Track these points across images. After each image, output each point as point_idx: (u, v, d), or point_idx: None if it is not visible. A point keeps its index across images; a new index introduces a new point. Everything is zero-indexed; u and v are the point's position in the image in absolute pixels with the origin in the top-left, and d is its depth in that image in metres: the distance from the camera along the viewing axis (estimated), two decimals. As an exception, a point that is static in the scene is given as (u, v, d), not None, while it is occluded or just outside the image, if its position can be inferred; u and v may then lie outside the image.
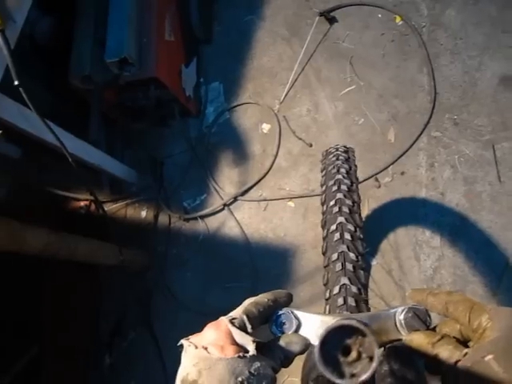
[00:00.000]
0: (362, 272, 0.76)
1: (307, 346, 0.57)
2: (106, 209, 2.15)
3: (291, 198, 1.94)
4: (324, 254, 0.83)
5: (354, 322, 0.36)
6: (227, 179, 2.07)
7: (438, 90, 1.95)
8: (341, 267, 0.76)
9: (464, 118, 1.90)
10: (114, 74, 1.71)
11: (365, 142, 1.94)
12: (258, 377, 0.49)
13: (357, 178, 0.95)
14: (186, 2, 2.11)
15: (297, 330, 0.56)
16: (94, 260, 1.69)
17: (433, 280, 1.72)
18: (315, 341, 0.55)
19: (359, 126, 1.98)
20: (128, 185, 2.18)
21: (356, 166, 0.99)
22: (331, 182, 0.92)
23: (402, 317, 0.52)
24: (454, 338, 0.50)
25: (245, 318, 0.54)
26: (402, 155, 1.89)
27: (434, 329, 0.53)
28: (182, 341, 0.53)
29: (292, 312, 0.57)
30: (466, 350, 0.46)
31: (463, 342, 0.49)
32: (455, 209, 1.79)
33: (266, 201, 1.97)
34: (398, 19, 2.09)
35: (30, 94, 1.34)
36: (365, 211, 1.84)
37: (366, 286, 0.75)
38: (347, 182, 0.91)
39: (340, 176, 0.92)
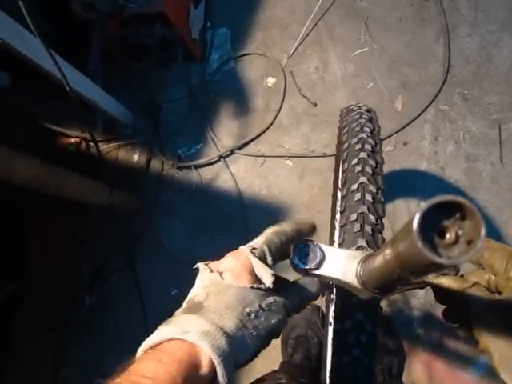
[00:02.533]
0: (379, 236, 0.73)
1: (322, 291, 0.54)
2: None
3: (290, 156, 1.89)
4: (342, 213, 0.80)
5: (459, 199, 0.33)
6: (226, 130, 2.00)
7: (451, 62, 1.89)
8: (359, 228, 0.73)
9: (474, 94, 1.85)
10: (120, 3, 1.61)
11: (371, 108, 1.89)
12: (267, 312, 0.47)
13: (380, 140, 0.91)
14: None
15: (320, 264, 0.53)
16: (83, 198, 1.64)
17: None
18: (340, 275, 0.52)
19: (367, 90, 1.93)
20: (122, 126, 2.11)
21: (379, 126, 0.94)
22: (354, 140, 0.87)
23: None
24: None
25: (266, 248, 0.52)
26: (407, 125, 1.84)
27: (461, 276, 0.51)
28: (199, 264, 0.52)
29: (317, 244, 0.54)
30: (498, 297, 0.45)
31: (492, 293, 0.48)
32: (454, 185, 1.77)
33: (264, 157, 1.92)
34: (420, -17, 2.00)
35: (30, 14, 1.25)
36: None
37: None
38: (371, 141, 0.87)
39: (364, 135, 0.88)
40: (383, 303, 1.68)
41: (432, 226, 0.34)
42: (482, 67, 1.87)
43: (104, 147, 2.10)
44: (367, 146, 0.87)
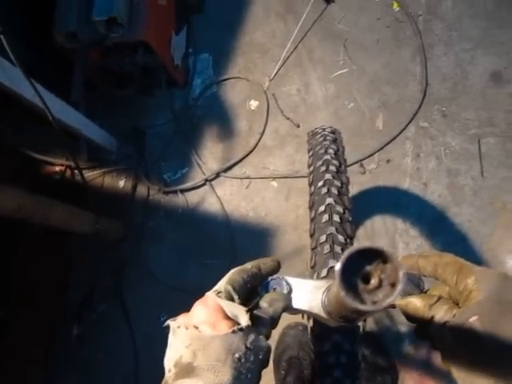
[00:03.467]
0: None
1: (290, 301, 0.54)
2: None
3: (275, 177, 1.91)
4: (312, 235, 0.80)
5: (377, 246, 0.34)
6: (210, 154, 2.02)
7: (429, 81, 1.94)
8: (329, 249, 0.74)
9: (453, 110, 1.89)
10: (101, 33, 1.62)
11: (353, 127, 1.92)
12: (254, 350, 0.47)
13: (345, 160, 0.93)
14: (180, -33, 2.03)
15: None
16: (68, 226, 1.62)
17: (409, 269, 1.73)
18: (307, 306, 0.53)
19: (348, 110, 1.96)
20: (107, 153, 2.10)
21: (343, 147, 0.96)
22: (319, 163, 0.89)
23: None
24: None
25: (230, 288, 0.51)
26: (388, 143, 1.88)
27: (425, 293, 0.52)
28: (169, 322, 0.50)
29: (282, 278, 0.55)
30: (454, 311, 0.45)
31: (457, 304, 0.48)
32: (437, 200, 1.80)
33: (249, 179, 1.93)
34: (395, 5, 2.06)
35: (11, 44, 1.26)
36: (347, 196, 1.83)
37: None
38: (336, 162, 0.88)
39: (328, 156, 0.89)
40: (369, 321, 1.68)
41: (356, 272, 0.35)
42: (459, 84, 1.92)
43: (89, 174, 2.09)
44: (332, 168, 0.88)
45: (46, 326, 1.85)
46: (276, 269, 0.57)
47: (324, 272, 0.73)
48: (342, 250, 0.75)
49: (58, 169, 2.15)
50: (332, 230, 0.77)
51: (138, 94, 2.07)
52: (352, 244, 0.77)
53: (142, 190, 2.03)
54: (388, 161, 1.87)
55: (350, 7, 2.10)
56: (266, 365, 0.49)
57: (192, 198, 1.97)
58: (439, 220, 1.77)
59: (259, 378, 0.48)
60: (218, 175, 1.97)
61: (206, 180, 1.96)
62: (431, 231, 1.77)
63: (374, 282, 0.35)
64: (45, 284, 1.88)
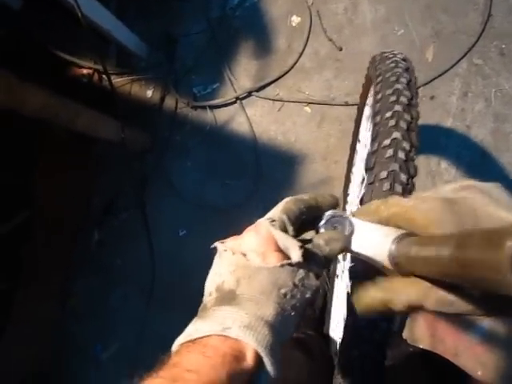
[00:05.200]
0: None
1: (349, 243, 0.50)
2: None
3: (309, 102, 1.81)
4: (370, 169, 0.74)
5: None
6: (244, 71, 1.91)
7: (492, 12, 1.75)
8: (389, 187, 0.68)
9: (513, 48, 1.73)
10: None
11: (400, 56, 1.78)
12: (301, 288, 0.44)
13: (417, 92, 0.84)
14: None
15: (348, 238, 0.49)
16: (93, 132, 1.60)
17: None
18: (370, 252, 0.49)
19: (398, 36, 1.80)
20: (136, 59, 2.02)
21: (416, 78, 0.87)
22: (389, 91, 0.80)
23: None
24: None
25: (285, 218, 0.47)
26: (436, 77, 1.74)
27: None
28: (217, 244, 0.47)
29: (347, 216, 0.50)
30: None
31: None
32: (478, 145, 1.69)
33: (282, 101, 1.84)
34: None
35: None
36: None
37: None
38: (407, 93, 0.79)
39: (400, 86, 0.80)
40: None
41: None
42: (525, 19, 1.73)
43: (117, 80, 2.03)
44: (403, 99, 0.80)
45: (68, 230, 1.90)
46: (334, 204, 0.53)
47: None
48: (403, 190, 0.69)
49: (85, 71, 2.09)
50: (395, 166, 0.70)
51: (173, -4, 1.94)
52: (413, 185, 0.71)
53: (169, 102, 1.97)
54: (432, 97, 1.74)
55: None
56: (312, 304, 0.47)
57: (221, 115, 1.91)
58: (477, 166, 1.68)
59: (303, 316, 0.46)
60: (249, 94, 1.88)
61: (237, 98, 1.87)
62: (466, 177, 1.69)
63: None
64: (69, 188, 1.90)
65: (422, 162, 1.70)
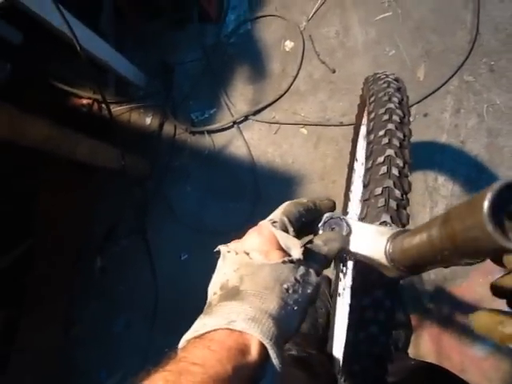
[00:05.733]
0: (404, 212, 0.70)
1: (347, 243, 0.52)
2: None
3: (305, 124, 1.84)
4: (365, 186, 0.76)
5: None
6: (240, 95, 1.95)
7: (480, 30, 1.79)
8: (384, 203, 0.70)
9: (502, 65, 1.76)
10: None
11: (392, 76, 1.82)
12: (303, 283, 0.46)
13: (409, 111, 0.87)
14: None
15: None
16: (94, 161, 1.62)
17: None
18: (367, 251, 0.51)
19: (389, 57, 1.85)
20: (135, 88, 2.06)
21: (408, 97, 0.90)
22: (382, 111, 0.83)
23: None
24: None
25: (285, 219, 0.50)
26: (428, 95, 1.77)
27: None
28: (220, 247, 0.50)
29: (343, 218, 0.52)
30: None
31: None
32: (473, 160, 1.71)
33: (278, 124, 1.87)
34: None
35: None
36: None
37: (404, 226, 0.70)
38: (399, 112, 0.82)
39: (392, 105, 0.83)
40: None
41: (502, 207, 0.30)
42: (512, 36, 1.77)
43: (116, 109, 2.07)
44: (395, 118, 0.82)
45: (70, 257, 1.91)
46: (332, 207, 0.56)
47: None
48: (398, 205, 0.71)
49: (85, 102, 2.13)
50: (389, 183, 0.73)
51: (169, 27, 2.00)
52: (408, 201, 0.73)
53: (168, 128, 2.00)
54: (425, 114, 1.77)
55: None
56: (313, 301, 0.48)
57: (219, 139, 1.94)
58: (473, 181, 1.70)
59: (305, 313, 0.47)
60: (246, 118, 1.91)
61: (234, 122, 1.91)
62: (463, 192, 1.70)
63: None
64: (70, 217, 1.91)
65: (419, 178, 1.72)
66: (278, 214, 0.51)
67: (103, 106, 2.04)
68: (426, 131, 1.76)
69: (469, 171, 1.71)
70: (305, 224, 0.53)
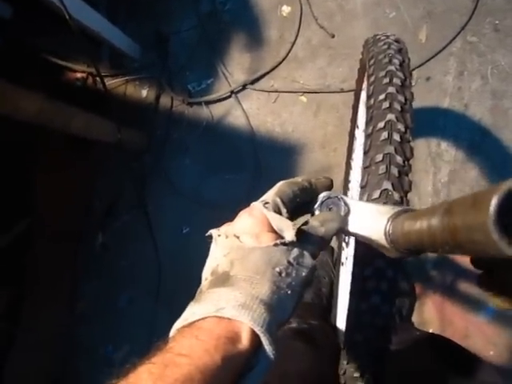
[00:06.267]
0: (406, 179, 0.68)
1: (346, 223, 0.51)
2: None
3: (304, 92, 1.80)
4: (366, 153, 0.74)
5: None
6: (237, 64, 1.90)
7: (484, -12, 1.73)
8: (385, 170, 0.67)
9: (507, 24, 1.70)
10: None
11: (393, 39, 1.76)
12: (297, 266, 0.44)
13: (410, 73, 0.83)
14: None
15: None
16: (89, 135, 1.59)
17: (439, 195, 1.67)
18: (366, 231, 0.49)
19: (389, 19, 1.79)
20: (129, 60, 2.01)
21: (409, 59, 0.86)
22: (382, 73, 0.80)
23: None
24: None
25: (278, 200, 0.48)
26: (430, 58, 1.72)
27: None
28: (211, 231, 0.48)
29: (341, 197, 0.50)
30: None
31: None
32: (477, 123, 1.68)
33: (277, 92, 1.83)
34: None
35: None
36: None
37: (406, 193, 0.68)
38: (400, 75, 0.79)
39: (393, 67, 0.80)
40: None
41: (509, 210, 0.27)
42: (518, -6, 1.71)
43: (111, 82, 2.02)
44: (396, 80, 0.79)
45: (71, 234, 1.90)
46: (329, 186, 0.54)
47: (376, 194, 0.67)
48: (399, 172, 0.69)
49: (79, 75, 2.08)
50: (390, 149, 0.70)
51: (162, -5, 1.93)
52: (410, 167, 0.70)
53: (165, 100, 1.96)
54: (428, 78, 1.73)
55: None
56: (309, 285, 0.47)
57: (217, 110, 1.90)
58: (477, 145, 1.67)
59: (301, 297, 0.45)
60: (244, 87, 1.87)
61: (232, 92, 1.87)
62: (467, 156, 1.67)
63: None
64: (69, 193, 1.90)
65: (422, 144, 1.70)
66: (270, 194, 0.49)
67: (98, 79, 2.00)
68: (429, 95, 1.72)
69: (472, 135, 1.68)
70: (300, 204, 0.51)
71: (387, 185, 0.66)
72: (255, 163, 1.79)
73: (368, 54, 0.90)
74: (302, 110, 1.80)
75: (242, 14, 1.92)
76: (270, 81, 1.85)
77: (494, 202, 0.26)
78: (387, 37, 0.91)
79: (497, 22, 1.71)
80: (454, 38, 1.73)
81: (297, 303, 0.45)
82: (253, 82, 1.86)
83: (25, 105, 1.30)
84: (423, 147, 1.69)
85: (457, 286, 1.61)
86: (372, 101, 0.77)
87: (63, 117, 1.42)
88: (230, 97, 1.88)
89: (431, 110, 1.71)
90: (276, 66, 1.84)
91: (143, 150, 1.90)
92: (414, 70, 1.72)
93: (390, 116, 0.73)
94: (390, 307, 0.65)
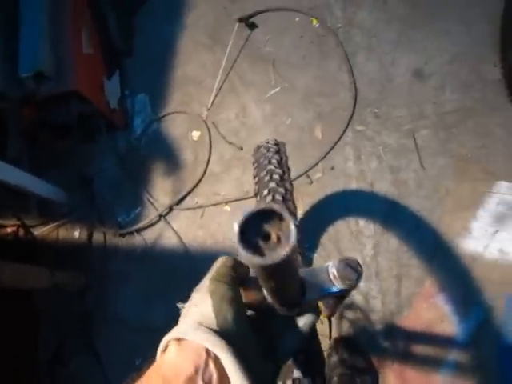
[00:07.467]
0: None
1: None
2: (35, 233, 2.04)
3: (227, 202, 1.94)
4: None
5: (271, 206, 0.37)
6: (161, 190, 2.03)
7: (357, 86, 2.03)
8: None
9: (384, 110, 1.98)
10: (30, 89, 1.64)
11: (294, 141, 1.98)
12: None
13: (288, 168, 0.96)
14: (103, 15, 2.08)
15: None
16: (23, 285, 1.59)
17: (369, 268, 1.77)
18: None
19: (287, 125, 2.02)
20: (58, 205, 2.09)
21: (287, 156, 1.00)
22: (263, 173, 0.92)
23: (334, 269, 0.55)
24: None
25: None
26: (330, 150, 1.94)
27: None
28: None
29: None
30: None
31: None
32: (384, 197, 1.86)
33: (202, 207, 1.95)
34: (314, 22, 2.17)
35: None
36: (300, 208, 1.87)
37: None
38: (279, 171, 0.92)
39: (271, 166, 0.93)
40: (344, 325, 1.70)
41: (257, 232, 0.37)
42: (386, 86, 2.02)
43: (43, 229, 2.07)
44: (275, 176, 0.92)
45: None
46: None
47: None
48: None
49: (9, 230, 2.11)
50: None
51: (80, 142, 2.08)
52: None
53: (98, 236, 2.02)
54: (332, 168, 1.93)
55: (272, 30, 2.19)
56: None
57: (149, 235, 1.97)
58: (390, 216, 1.83)
59: None
60: (171, 209, 1.98)
61: (161, 215, 1.97)
62: (384, 227, 1.82)
63: (273, 239, 0.37)
64: (12, 346, 1.81)
65: (342, 226, 1.83)
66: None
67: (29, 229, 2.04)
68: (336, 182, 1.90)
69: (384, 208, 1.84)
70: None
71: None
72: (195, 277, 1.83)
73: (253, 160, 1.04)
74: (228, 218, 1.92)
75: (157, 145, 2.10)
76: (193, 198, 1.98)
77: (235, 230, 0.36)
78: (267, 142, 1.06)
79: (376, 110, 1.99)
80: (345, 130, 1.97)
81: None
82: (178, 203, 1.98)
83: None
84: (344, 228, 1.83)
85: (411, 350, 1.65)
86: (258, 197, 0.89)
87: (-6, 273, 1.43)
88: (159, 221, 1.98)
89: (342, 194, 1.89)
90: (196, 185, 1.99)
91: (83, 288, 1.90)
92: (318, 163, 1.93)
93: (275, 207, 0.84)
94: (313, 378, 0.69)
